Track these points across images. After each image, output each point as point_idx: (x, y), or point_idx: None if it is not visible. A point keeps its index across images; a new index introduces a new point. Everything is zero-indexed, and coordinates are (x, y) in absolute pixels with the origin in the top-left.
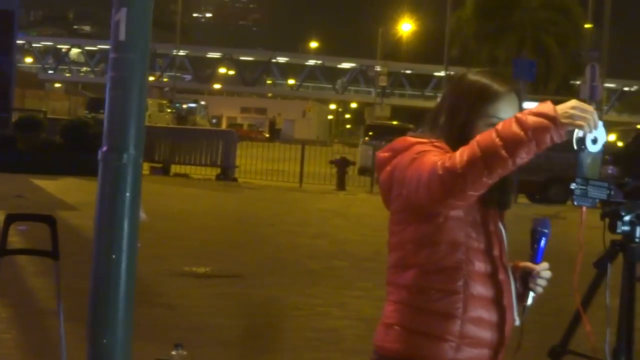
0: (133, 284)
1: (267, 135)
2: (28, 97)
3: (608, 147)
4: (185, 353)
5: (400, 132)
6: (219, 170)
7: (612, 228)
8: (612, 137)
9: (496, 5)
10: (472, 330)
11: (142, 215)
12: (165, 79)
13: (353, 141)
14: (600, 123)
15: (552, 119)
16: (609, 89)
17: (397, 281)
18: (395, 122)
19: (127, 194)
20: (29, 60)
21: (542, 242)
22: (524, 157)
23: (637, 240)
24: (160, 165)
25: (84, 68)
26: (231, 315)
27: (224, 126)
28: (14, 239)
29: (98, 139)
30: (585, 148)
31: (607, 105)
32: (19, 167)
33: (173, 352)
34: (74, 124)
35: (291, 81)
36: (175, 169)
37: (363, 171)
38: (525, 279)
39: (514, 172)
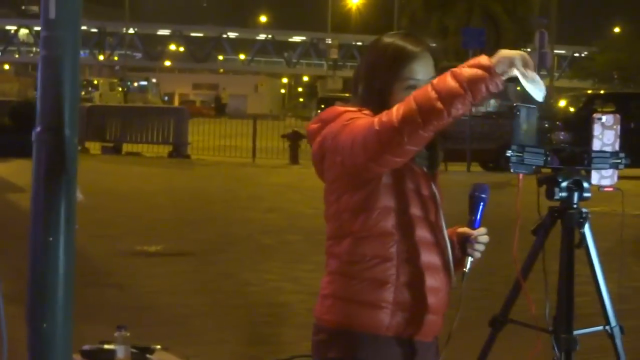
0: (72, 266)
1: (218, 110)
2: None
3: (559, 112)
4: (128, 334)
5: None
6: (171, 148)
7: (550, 195)
8: (563, 103)
9: None
10: (407, 296)
11: (79, 195)
12: (115, 58)
13: (306, 114)
14: (537, 76)
15: (487, 68)
16: (559, 55)
17: (334, 251)
18: (347, 94)
19: (63, 175)
20: None
21: (480, 207)
22: (459, 108)
23: (574, 206)
24: (112, 144)
25: (34, 49)
26: (183, 294)
27: (176, 103)
28: None
29: None
30: (523, 91)
31: (557, 72)
32: None
33: (115, 334)
34: (23, 105)
35: (242, 56)
36: (127, 147)
37: None
38: (464, 245)
39: (445, 131)
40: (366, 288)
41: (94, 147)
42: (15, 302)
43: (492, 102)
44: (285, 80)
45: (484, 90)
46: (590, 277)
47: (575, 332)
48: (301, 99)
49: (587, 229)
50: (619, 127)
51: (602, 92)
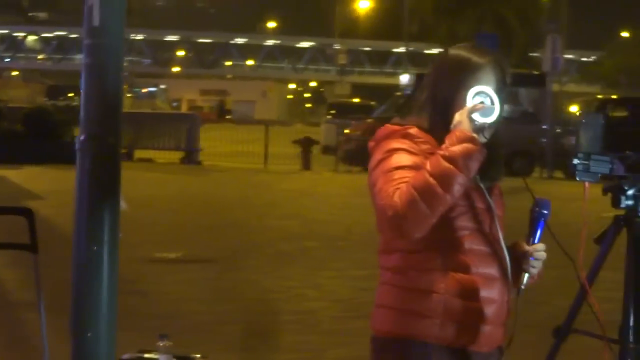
0: (116, 275)
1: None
2: None
3: (573, 118)
4: (171, 344)
5: (363, 109)
6: (183, 154)
7: (615, 203)
8: (574, 109)
9: None
10: (458, 307)
11: (123, 204)
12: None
13: (314, 120)
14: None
15: (471, 139)
16: (567, 60)
17: (385, 264)
18: (357, 100)
19: (107, 184)
20: None
21: (541, 224)
22: (459, 189)
23: None
24: (124, 150)
25: (41, 55)
26: (206, 301)
27: (184, 109)
28: None
29: (60, 126)
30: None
31: (566, 77)
32: None
33: (159, 343)
34: (36, 112)
35: (250, 62)
36: (138, 153)
37: (327, 150)
38: (519, 260)
39: (501, 145)
40: (415, 298)
41: None
42: (46, 312)
43: (505, 107)
44: (292, 85)
45: (479, 161)
46: None
47: None
48: (308, 105)
49: None
50: None
51: (614, 96)
